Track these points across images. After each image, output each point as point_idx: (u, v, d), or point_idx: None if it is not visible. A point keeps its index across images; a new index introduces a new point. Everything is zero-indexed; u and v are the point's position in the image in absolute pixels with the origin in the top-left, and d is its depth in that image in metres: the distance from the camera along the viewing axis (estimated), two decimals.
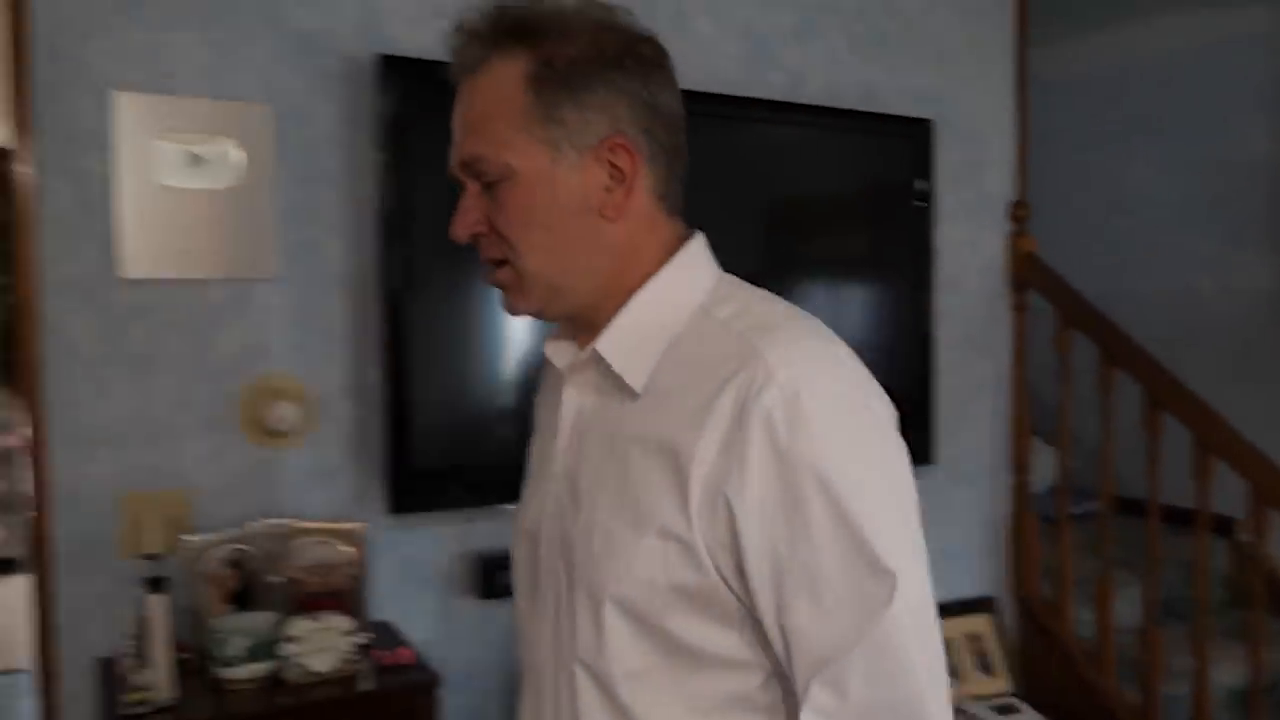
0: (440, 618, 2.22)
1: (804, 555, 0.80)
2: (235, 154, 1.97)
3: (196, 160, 1.94)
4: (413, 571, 2.19)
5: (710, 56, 2.44)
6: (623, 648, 0.87)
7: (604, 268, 0.92)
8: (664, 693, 0.87)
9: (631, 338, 0.91)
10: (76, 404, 1.89)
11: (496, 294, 0.95)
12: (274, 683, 1.78)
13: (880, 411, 0.88)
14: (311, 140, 2.05)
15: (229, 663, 1.75)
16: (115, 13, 1.88)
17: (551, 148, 0.89)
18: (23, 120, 1.82)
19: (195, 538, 1.88)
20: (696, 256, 0.96)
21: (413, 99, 2.03)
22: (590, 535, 0.89)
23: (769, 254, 2.50)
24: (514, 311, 0.96)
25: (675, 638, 0.86)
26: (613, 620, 0.87)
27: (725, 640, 0.85)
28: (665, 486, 0.84)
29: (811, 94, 2.54)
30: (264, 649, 1.77)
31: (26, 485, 5.03)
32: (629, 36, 0.93)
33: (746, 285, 0.97)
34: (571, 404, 0.96)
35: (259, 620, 1.80)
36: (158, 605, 1.69)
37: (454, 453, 2.13)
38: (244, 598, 1.93)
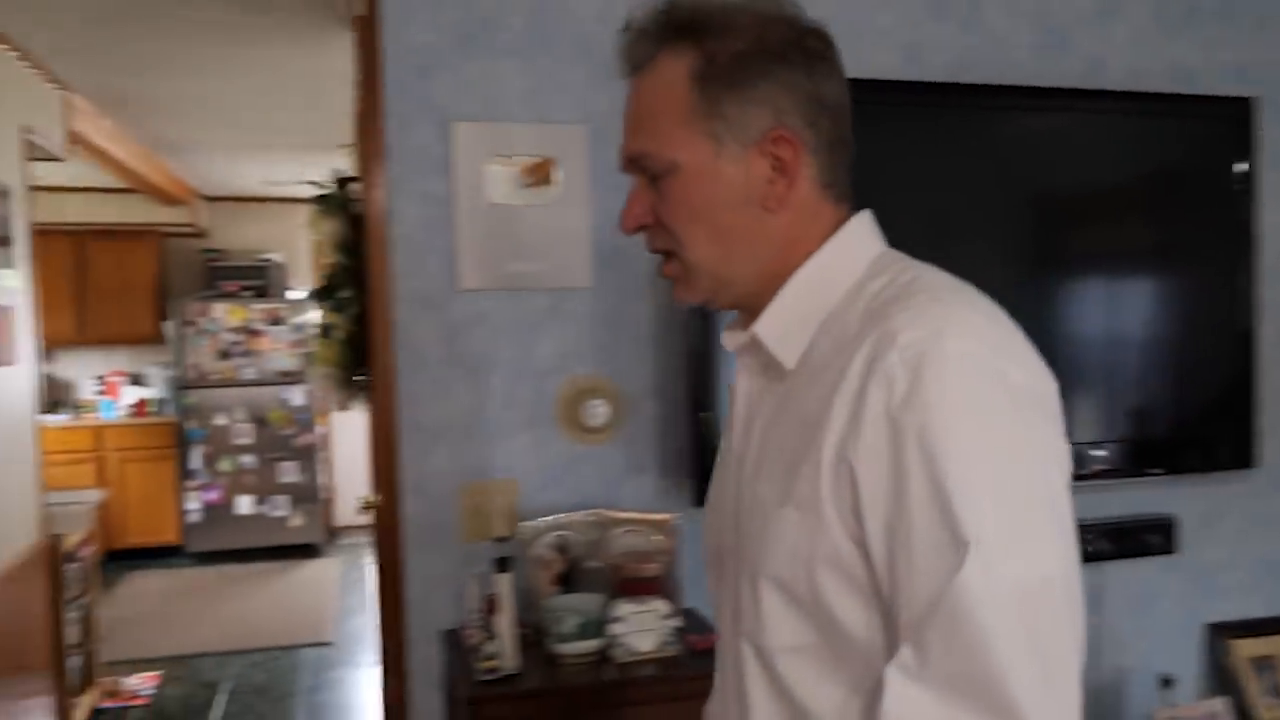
0: None
1: (903, 518, 0.79)
2: (554, 173, 2.13)
3: (522, 180, 2.12)
4: None
5: (1003, 48, 2.38)
6: (778, 623, 0.88)
7: (766, 257, 0.93)
8: (823, 670, 0.87)
9: (787, 319, 0.92)
10: (421, 403, 2.12)
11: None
12: (601, 659, 1.92)
13: (1017, 379, 0.82)
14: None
15: (564, 638, 1.91)
16: (453, 51, 2.08)
17: (715, 141, 0.90)
18: (375, 149, 2.06)
19: (528, 524, 2.06)
20: (854, 235, 0.96)
21: None
22: (751, 514, 0.91)
23: (1065, 249, 2.41)
24: (684, 301, 0.98)
25: (828, 614, 0.85)
26: (768, 596, 0.88)
27: (864, 614, 0.83)
28: (804, 458, 0.85)
29: (1113, 79, 2.42)
30: (593, 628, 1.92)
31: (323, 477, 5.56)
32: (794, 29, 0.93)
33: (909, 259, 0.95)
34: (743, 389, 0.99)
35: (589, 601, 1.95)
36: (505, 583, 1.87)
37: None
38: (567, 580, 2.10)
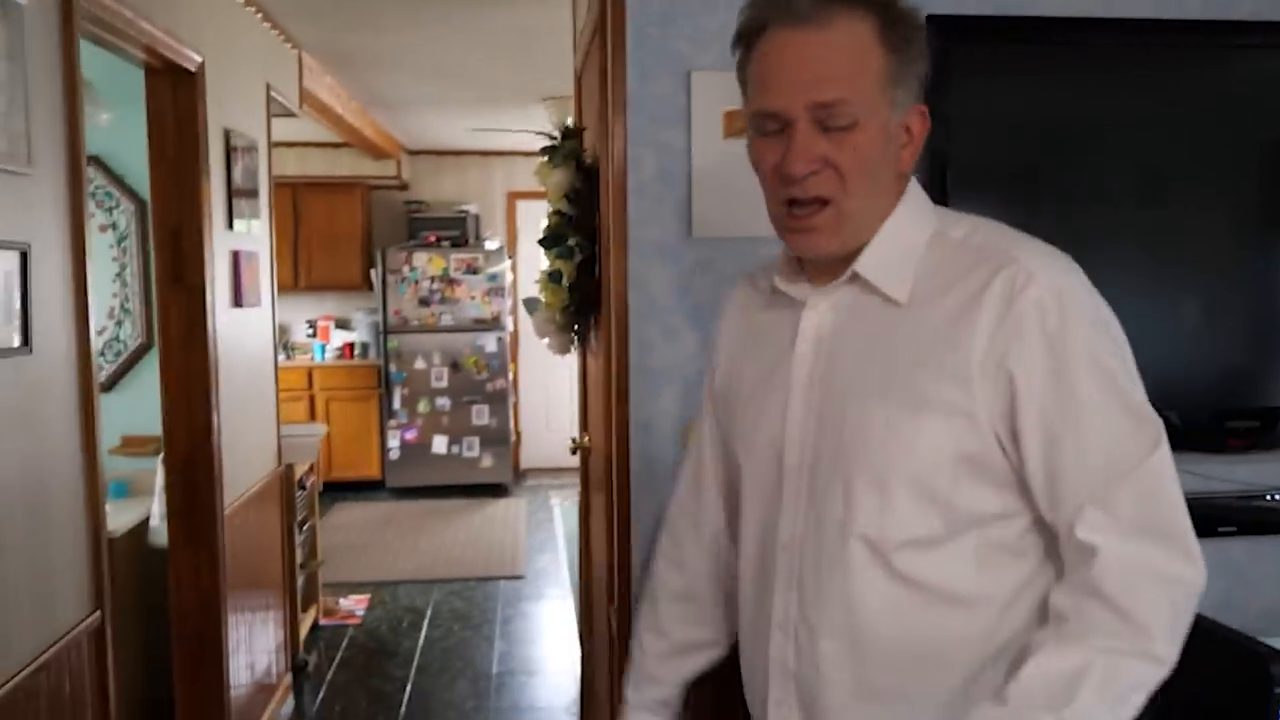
0: None
1: (1073, 413, 0.98)
2: None
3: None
4: None
5: None
6: (907, 518, 1.02)
7: (886, 210, 1.08)
8: (942, 553, 1.03)
9: (886, 260, 1.06)
10: (652, 347, 2.19)
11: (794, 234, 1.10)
12: None
13: (1108, 308, 1.06)
14: None
15: None
16: (694, 1, 2.12)
17: (892, 105, 1.03)
18: (619, 99, 2.12)
19: None
20: (919, 195, 1.12)
21: (953, 54, 2.07)
22: (867, 425, 1.03)
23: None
24: (815, 252, 1.10)
25: (954, 503, 1.02)
26: (901, 494, 1.02)
27: (996, 498, 1.02)
28: (945, 372, 1.00)
29: None
30: None
31: (511, 421, 5.76)
32: (915, 13, 1.05)
33: (960, 213, 1.12)
34: (810, 324, 1.11)
35: None
36: None
37: None
38: None
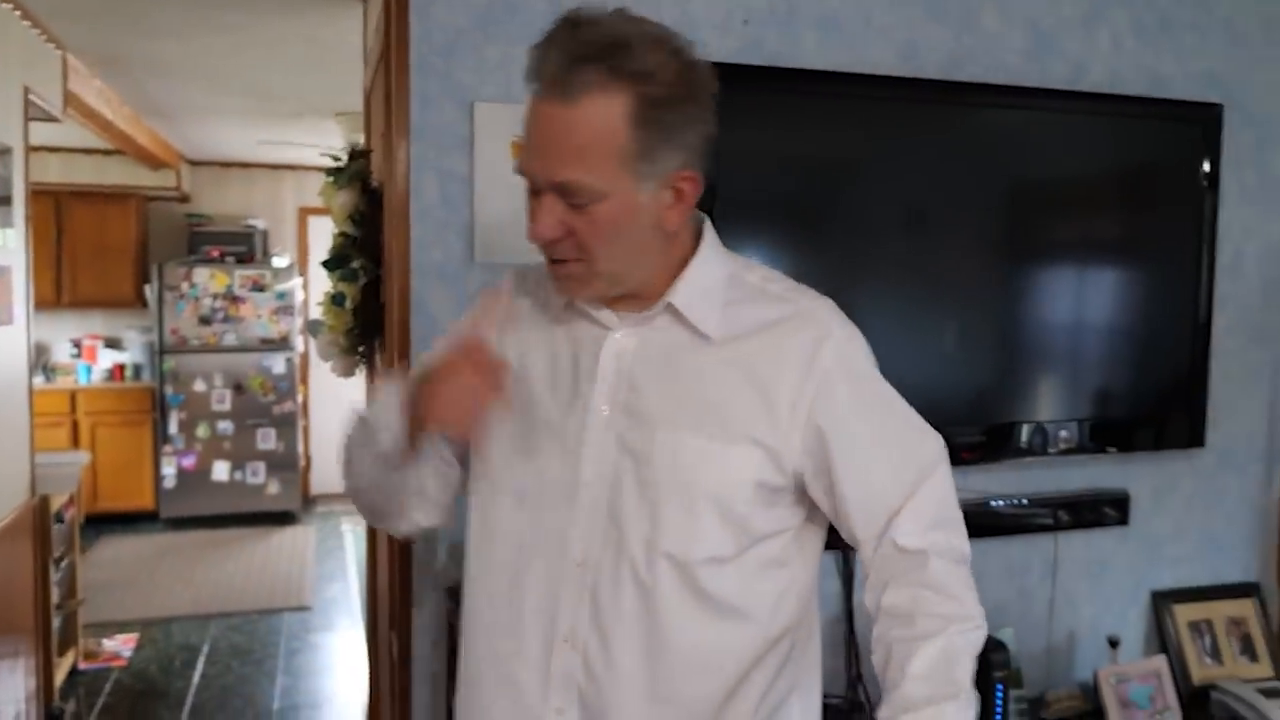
0: None
1: (878, 443, 1.16)
2: None
3: None
4: None
5: (995, 49, 2.52)
6: (709, 538, 1.12)
7: (658, 262, 1.14)
8: (731, 568, 1.13)
9: (697, 297, 1.14)
10: None
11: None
12: None
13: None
14: None
15: None
16: (475, 32, 2.18)
17: (638, 179, 1.05)
18: (401, 126, 2.16)
19: None
20: (714, 237, 1.22)
21: (721, 98, 2.24)
22: (679, 452, 1.11)
23: (1039, 240, 2.57)
24: (574, 296, 1.16)
25: (748, 525, 1.13)
26: (707, 516, 1.11)
27: (778, 519, 1.16)
28: (754, 409, 1.11)
29: (1093, 82, 2.58)
30: None
31: (300, 445, 5.62)
32: (704, 70, 1.08)
33: (740, 256, 1.25)
34: (614, 350, 1.16)
35: None
36: None
37: None
38: None
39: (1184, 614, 2.76)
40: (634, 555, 1.12)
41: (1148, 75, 2.64)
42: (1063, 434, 2.58)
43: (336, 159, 2.62)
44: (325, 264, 2.59)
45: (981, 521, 2.59)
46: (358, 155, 2.65)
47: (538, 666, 1.16)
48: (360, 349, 2.70)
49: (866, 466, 1.15)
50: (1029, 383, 2.58)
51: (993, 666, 2.24)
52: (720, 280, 1.17)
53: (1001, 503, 2.61)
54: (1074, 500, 2.67)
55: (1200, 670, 2.71)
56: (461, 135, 2.19)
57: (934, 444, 1.21)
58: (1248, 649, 2.76)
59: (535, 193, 1.09)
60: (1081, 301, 2.60)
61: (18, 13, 3.47)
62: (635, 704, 1.13)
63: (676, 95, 1.04)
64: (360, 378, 2.96)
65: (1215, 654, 2.74)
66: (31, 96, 3.64)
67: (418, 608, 2.26)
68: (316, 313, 7.81)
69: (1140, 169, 2.62)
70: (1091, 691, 2.57)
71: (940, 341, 2.50)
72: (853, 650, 2.53)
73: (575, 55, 1.01)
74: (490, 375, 1.12)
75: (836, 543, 2.44)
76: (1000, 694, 2.24)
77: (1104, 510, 2.69)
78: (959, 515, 1.22)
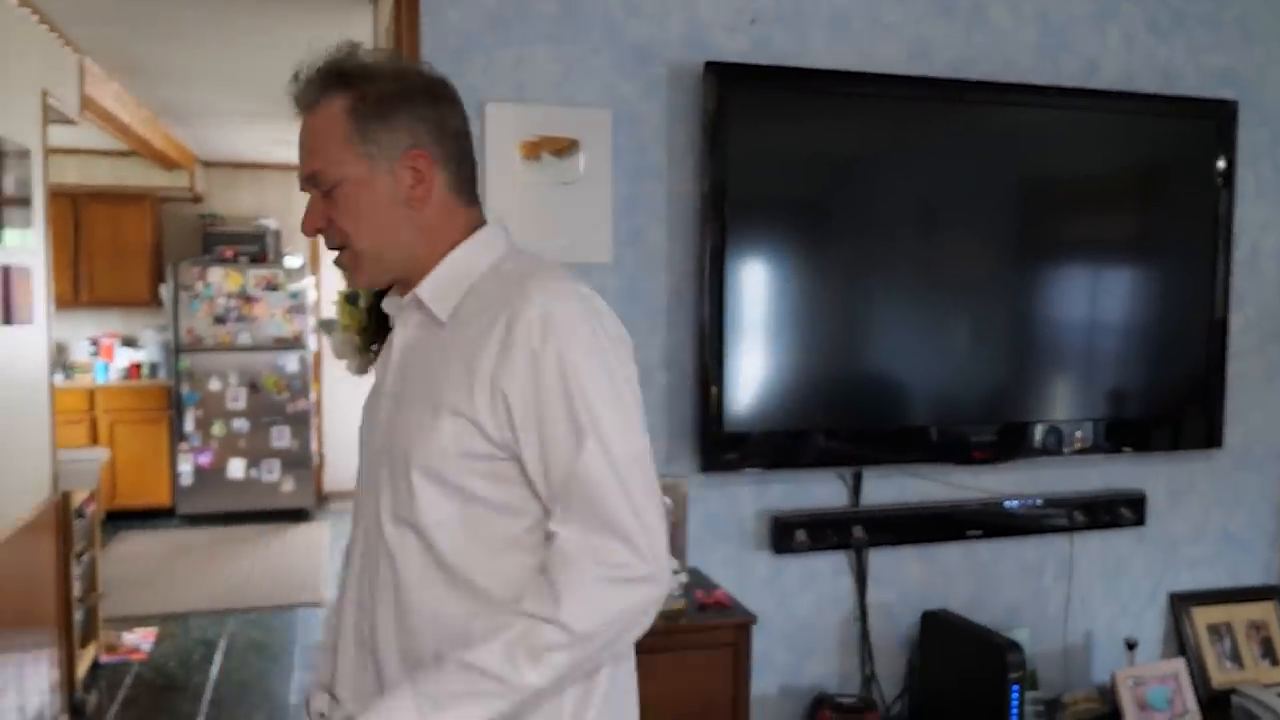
0: (736, 568, 2.45)
1: (547, 420, 1.14)
2: (579, 154, 2.25)
3: (549, 160, 2.24)
4: (714, 525, 2.43)
5: (1005, 47, 2.52)
6: (433, 501, 1.18)
7: (415, 242, 1.24)
8: (464, 536, 1.19)
9: (441, 286, 1.23)
10: None
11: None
12: None
13: (611, 329, 1.20)
14: (642, 139, 2.31)
15: None
16: (486, 34, 2.19)
17: (369, 160, 1.21)
18: None
19: None
20: (491, 235, 1.29)
21: (730, 98, 2.25)
22: (408, 426, 1.21)
23: (1053, 239, 2.56)
24: (356, 284, 1.30)
25: (469, 491, 1.18)
26: (420, 482, 1.19)
27: (505, 492, 1.18)
28: (459, 382, 1.17)
29: (1107, 79, 2.57)
30: None
31: (314, 443, 5.60)
32: (426, 77, 1.27)
33: (534, 254, 1.29)
34: (399, 340, 1.29)
35: None
36: None
37: (758, 420, 2.35)
38: None
39: (1203, 616, 2.75)
40: (385, 522, 1.24)
41: (1161, 72, 2.63)
42: (1078, 434, 2.57)
43: None
44: (337, 262, 2.60)
45: (996, 521, 2.59)
46: None
47: (350, 627, 1.31)
48: (375, 347, 2.71)
49: (541, 441, 1.16)
50: (1043, 382, 2.58)
51: (1008, 667, 2.24)
52: (476, 269, 1.25)
53: (1016, 503, 2.61)
54: (1090, 500, 2.66)
55: (1220, 674, 2.70)
56: (472, 136, 2.19)
57: (590, 443, 1.14)
58: (1269, 653, 2.74)
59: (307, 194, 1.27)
60: (1096, 300, 2.59)
61: (35, 17, 3.50)
62: (393, 665, 1.24)
63: (388, 91, 1.22)
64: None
65: (1235, 658, 2.72)
66: (50, 100, 3.67)
67: None
68: (330, 312, 7.82)
69: (1154, 166, 2.61)
70: (1109, 694, 2.56)
71: (952, 340, 2.50)
72: (866, 649, 2.53)
73: (313, 80, 1.25)
74: None
75: (847, 542, 2.47)
76: (1016, 695, 2.24)
77: (1120, 511, 2.68)
78: (622, 520, 1.14)
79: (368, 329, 2.64)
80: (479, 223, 1.30)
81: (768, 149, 2.32)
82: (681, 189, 2.35)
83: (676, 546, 2.21)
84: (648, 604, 1.15)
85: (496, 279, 1.23)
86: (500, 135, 2.20)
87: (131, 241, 6.87)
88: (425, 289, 1.25)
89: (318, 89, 1.23)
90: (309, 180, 1.24)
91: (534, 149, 2.23)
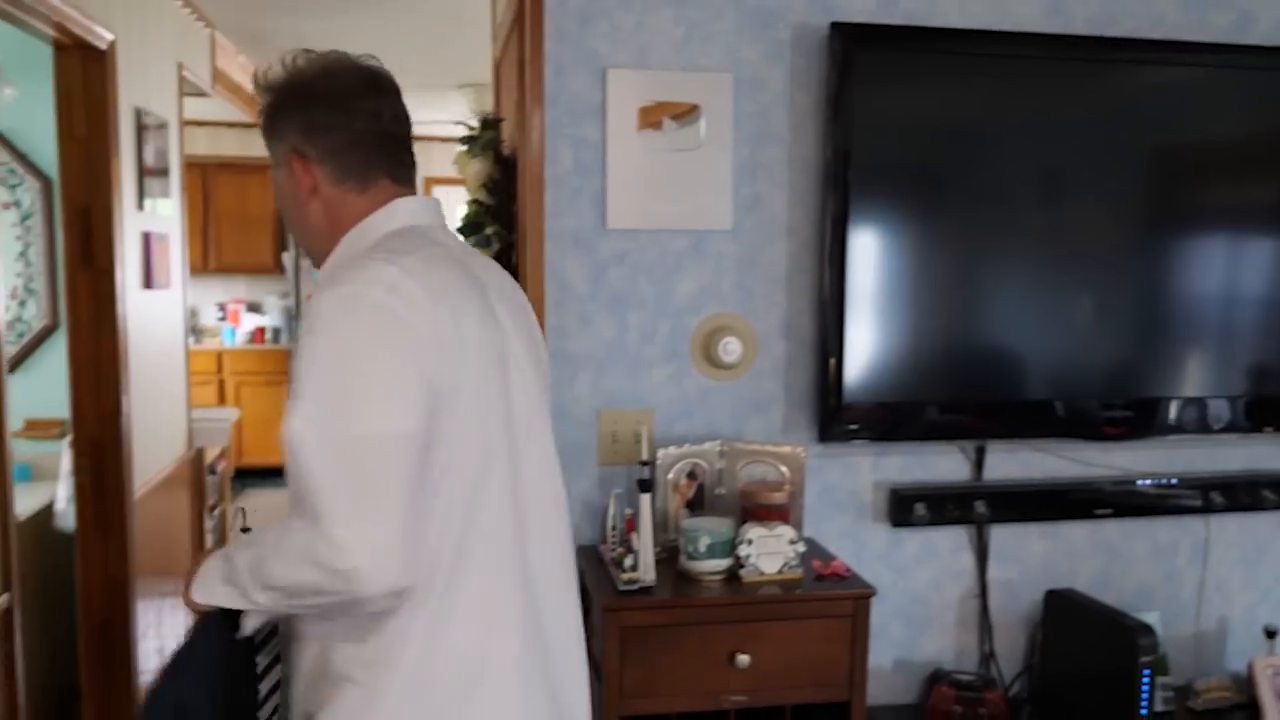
0: (852, 540, 2.42)
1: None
2: (700, 119, 2.23)
3: (669, 126, 2.22)
4: (830, 496, 2.41)
5: (1150, 1, 2.38)
6: None
7: (320, 230, 1.35)
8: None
9: (327, 269, 1.33)
10: (566, 334, 2.26)
11: None
12: (729, 577, 2.07)
13: (374, 300, 1.18)
14: (763, 104, 2.28)
15: (695, 556, 2.06)
16: (609, 0, 2.18)
17: (275, 166, 1.38)
18: (535, 94, 2.18)
19: (665, 450, 2.20)
20: (379, 219, 1.33)
21: (856, 60, 2.19)
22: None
23: (1190, 206, 2.43)
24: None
25: None
26: None
27: None
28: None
29: (1261, 33, 2.41)
30: (722, 548, 2.06)
31: None
32: (308, 79, 1.34)
33: (419, 235, 1.32)
34: None
35: (719, 524, 2.09)
36: (646, 503, 2.02)
37: (877, 391, 2.31)
38: (695, 505, 2.25)
39: None
40: None
41: None
42: (1215, 411, 2.45)
43: (471, 128, 2.67)
44: (460, 230, 2.65)
45: (1126, 501, 2.49)
46: (490, 124, 2.69)
47: None
48: None
49: None
50: (1177, 357, 2.46)
51: (1140, 650, 2.16)
52: (344, 259, 1.31)
53: (1148, 482, 2.50)
54: (1228, 481, 2.53)
55: None
56: (595, 102, 2.20)
57: (288, 432, 1.15)
58: None
59: None
60: (1236, 272, 2.45)
61: None
62: None
63: (269, 103, 1.36)
64: None
65: None
66: (185, 73, 3.82)
67: None
68: None
69: None
70: (1244, 683, 2.45)
71: (1080, 313, 2.40)
72: (985, 627, 2.48)
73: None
74: None
75: (968, 517, 2.41)
76: (1146, 679, 2.16)
77: (1262, 493, 2.54)
78: (312, 501, 1.14)
79: None
80: (384, 203, 1.35)
81: (893, 113, 2.25)
82: (803, 154, 2.31)
83: (793, 516, 2.20)
84: (345, 593, 1.13)
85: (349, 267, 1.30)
86: (621, 100, 2.20)
87: (256, 211, 7.13)
88: (320, 272, 1.38)
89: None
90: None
91: (655, 115, 2.22)
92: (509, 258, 2.57)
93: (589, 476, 2.30)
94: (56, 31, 2.71)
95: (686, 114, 2.23)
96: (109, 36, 2.93)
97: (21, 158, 3.54)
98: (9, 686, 2.32)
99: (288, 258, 7.12)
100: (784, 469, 2.25)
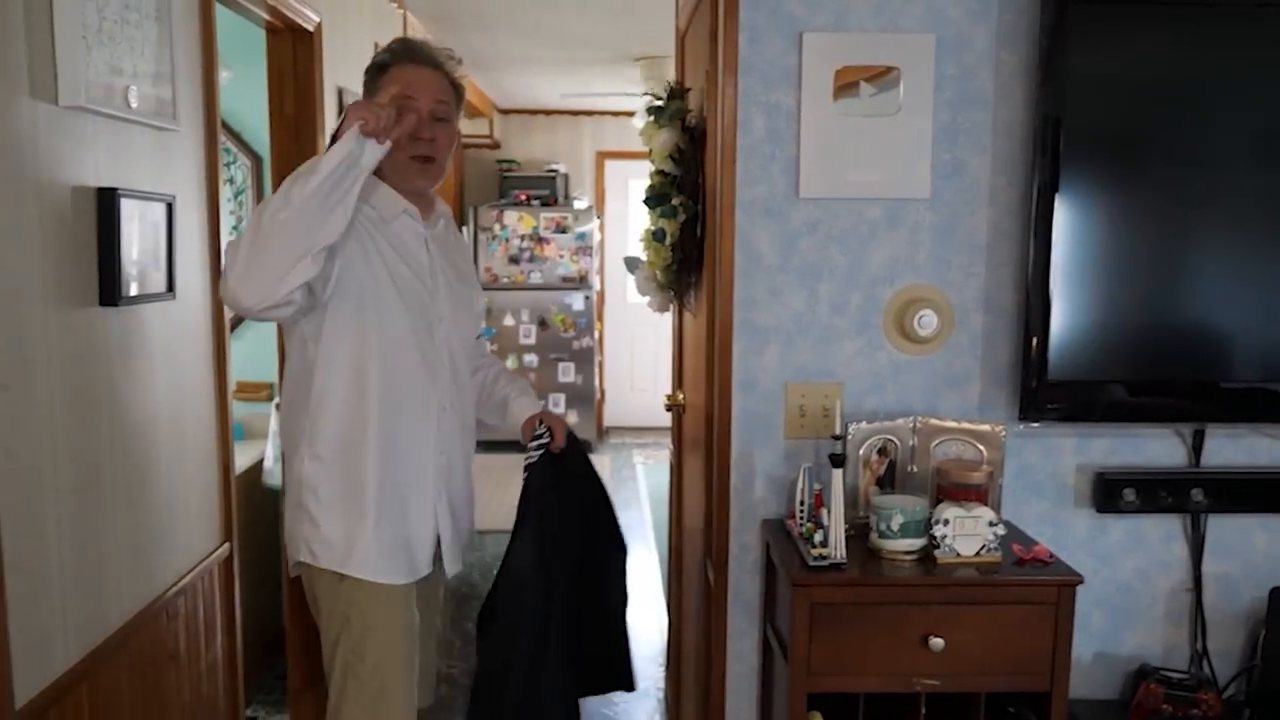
0: (1051, 524, 2.31)
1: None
2: (899, 83, 2.15)
3: (865, 90, 2.15)
4: (1029, 478, 2.29)
5: None
6: (470, 345, 2.11)
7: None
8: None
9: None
10: (755, 306, 2.24)
11: None
12: (922, 557, 2.00)
13: None
14: (966, 65, 2.17)
15: (887, 535, 2.00)
16: None
17: (455, 118, 2.01)
18: (729, 61, 2.15)
19: (857, 425, 2.15)
20: None
21: (1070, 12, 2.05)
22: (458, 298, 2.04)
23: None
24: (424, 183, 2.00)
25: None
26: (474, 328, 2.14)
27: None
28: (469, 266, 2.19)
29: None
30: (915, 527, 2.00)
31: (596, 379, 5.71)
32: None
33: None
34: (422, 236, 1.96)
35: (913, 502, 2.03)
36: (837, 479, 1.98)
37: (1084, 368, 2.18)
38: (885, 482, 2.19)
39: None
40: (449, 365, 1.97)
41: None
42: None
43: (658, 98, 2.67)
44: (646, 201, 2.66)
45: None
46: (676, 94, 2.68)
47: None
48: (680, 282, 2.76)
49: None
50: None
51: None
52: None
53: None
54: None
55: None
56: (788, 67, 2.15)
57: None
58: None
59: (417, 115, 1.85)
60: None
61: None
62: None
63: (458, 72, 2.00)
64: (672, 313, 3.04)
65: None
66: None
67: (734, 538, 2.31)
68: (616, 251, 8.10)
69: None
70: None
71: None
72: (1199, 623, 2.31)
73: (441, 52, 1.95)
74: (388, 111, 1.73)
75: (1183, 505, 2.25)
76: None
77: None
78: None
79: (671, 266, 2.70)
80: None
81: (1111, 72, 2.10)
82: (1008, 118, 2.19)
83: (991, 497, 2.11)
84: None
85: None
86: (817, 65, 2.14)
87: (439, 186, 7.41)
88: (443, 207, 2.04)
89: (438, 61, 1.91)
90: (439, 104, 1.90)
91: (851, 79, 2.15)
92: (695, 228, 2.56)
93: (775, 449, 2.27)
94: (269, 15, 2.87)
95: (884, 77, 2.15)
96: (316, 18, 3.08)
97: (235, 137, 3.79)
98: (230, 631, 2.50)
99: (466, 232, 7.37)
100: (981, 448, 2.16)
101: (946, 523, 1.98)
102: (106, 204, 1.84)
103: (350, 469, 1.83)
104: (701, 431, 2.51)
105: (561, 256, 7.26)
